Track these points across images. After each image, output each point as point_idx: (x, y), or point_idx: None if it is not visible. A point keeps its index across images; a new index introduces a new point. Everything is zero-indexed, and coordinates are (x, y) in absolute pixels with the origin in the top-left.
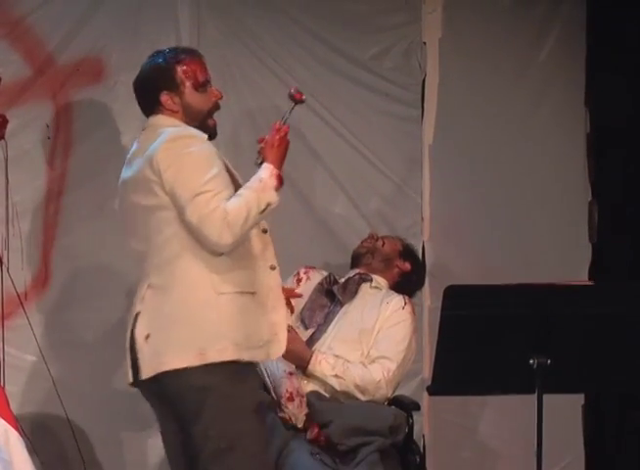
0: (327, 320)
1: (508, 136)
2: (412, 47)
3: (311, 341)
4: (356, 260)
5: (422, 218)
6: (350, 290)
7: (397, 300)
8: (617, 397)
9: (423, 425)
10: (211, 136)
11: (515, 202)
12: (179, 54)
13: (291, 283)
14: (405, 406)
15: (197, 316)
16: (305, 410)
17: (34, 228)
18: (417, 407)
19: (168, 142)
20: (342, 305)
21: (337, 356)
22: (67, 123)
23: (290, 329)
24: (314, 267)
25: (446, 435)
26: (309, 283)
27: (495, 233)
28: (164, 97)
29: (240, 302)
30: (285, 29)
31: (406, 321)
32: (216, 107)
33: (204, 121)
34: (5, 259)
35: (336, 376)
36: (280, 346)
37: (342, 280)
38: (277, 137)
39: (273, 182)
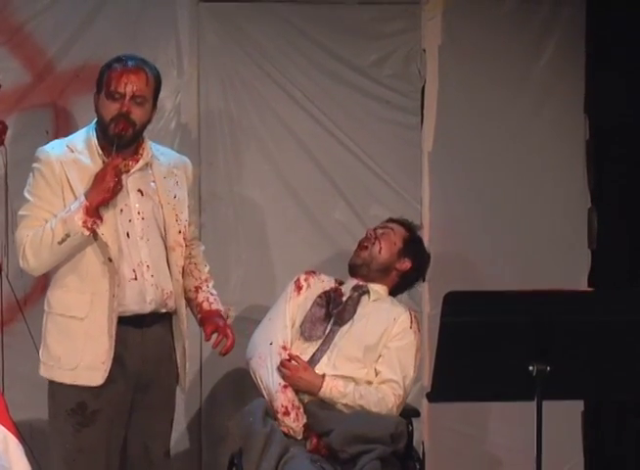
0: (328, 337)
1: (507, 143)
2: (412, 54)
3: (312, 361)
4: (352, 271)
5: (421, 225)
6: (349, 311)
7: (405, 317)
8: (617, 403)
9: (422, 432)
10: (117, 145)
11: (514, 208)
12: (116, 62)
13: (291, 290)
14: (405, 413)
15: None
16: (303, 421)
17: None
18: (417, 414)
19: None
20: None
21: (346, 379)
22: (66, 130)
23: (297, 358)
24: (315, 272)
25: (446, 441)
26: (310, 291)
27: (495, 240)
28: (94, 96)
29: (61, 323)
30: (285, 36)
31: (413, 342)
32: (123, 118)
33: (106, 128)
34: (4, 266)
35: (346, 405)
36: (102, 374)
37: (345, 297)
38: (101, 172)
39: (78, 214)
